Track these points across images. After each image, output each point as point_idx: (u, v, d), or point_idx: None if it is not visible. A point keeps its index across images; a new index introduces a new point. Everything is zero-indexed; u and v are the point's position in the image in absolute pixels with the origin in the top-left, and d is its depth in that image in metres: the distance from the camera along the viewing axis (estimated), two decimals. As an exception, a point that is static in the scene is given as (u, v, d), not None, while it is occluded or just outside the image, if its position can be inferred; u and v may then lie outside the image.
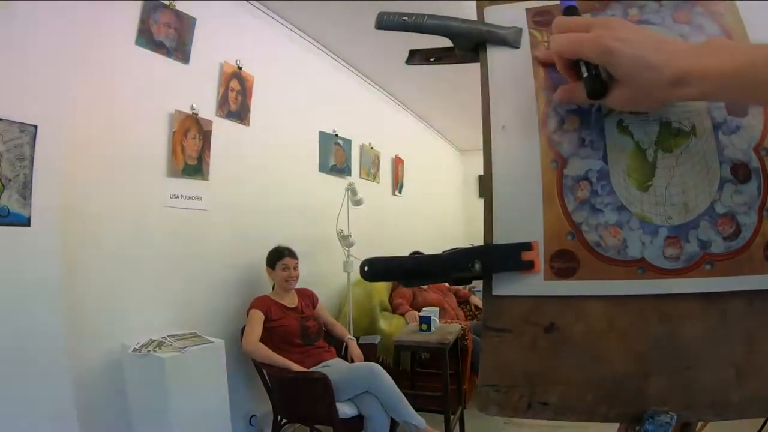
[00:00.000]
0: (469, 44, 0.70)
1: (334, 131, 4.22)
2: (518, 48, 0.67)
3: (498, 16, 0.70)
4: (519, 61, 0.66)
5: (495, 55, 0.68)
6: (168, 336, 2.35)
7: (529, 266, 0.60)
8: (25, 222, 1.83)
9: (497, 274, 0.61)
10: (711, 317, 0.57)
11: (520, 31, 0.68)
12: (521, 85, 0.65)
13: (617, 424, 0.60)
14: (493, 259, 0.61)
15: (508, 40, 0.67)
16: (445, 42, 0.73)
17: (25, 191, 1.83)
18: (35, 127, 1.86)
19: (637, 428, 0.56)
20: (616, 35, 0.52)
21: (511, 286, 0.61)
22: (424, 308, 3.77)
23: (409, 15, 0.69)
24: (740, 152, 0.58)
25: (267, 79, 3.32)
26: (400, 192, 5.64)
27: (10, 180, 1.79)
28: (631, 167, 0.60)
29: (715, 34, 0.61)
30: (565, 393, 0.58)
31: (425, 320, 3.30)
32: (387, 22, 0.70)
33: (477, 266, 0.60)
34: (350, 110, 4.61)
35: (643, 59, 0.51)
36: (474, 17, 0.72)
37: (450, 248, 0.63)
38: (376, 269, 0.62)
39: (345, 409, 2.58)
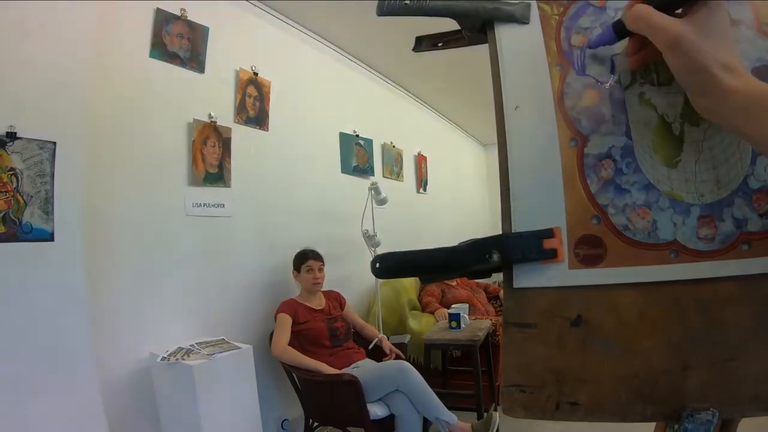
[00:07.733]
0: (475, 24, 0.66)
1: (355, 131, 4.21)
2: (527, 23, 0.63)
3: (505, -9, 0.65)
4: (529, 37, 0.62)
5: (503, 33, 0.63)
6: (196, 343, 2.37)
7: (552, 255, 0.55)
8: (49, 237, 1.86)
9: (518, 265, 0.57)
10: (754, 302, 0.52)
11: (528, 5, 0.63)
12: (533, 62, 0.60)
13: (653, 424, 0.55)
14: (512, 249, 0.56)
15: (516, 16, 0.63)
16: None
17: (47, 207, 1.86)
18: (54, 143, 1.88)
19: (676, 427, 0.52)
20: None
21: (533, 277, 0.56)
22: (453, 305, 3.73)
23: (411, -2, 0.66)
24: None
25: (284, 83, 3.32)
26: (424, 189, 5.60)
27: (31, 197, 1.82)
28: (657, 142, 0.55)
29: (745, 20, 0.55)
30: (596, 391, 0.54)
31: (455, 317, 3.25)
32: (389, 8, 0.67)
33: (495, 257, 0.55)
34: (370, 110, 4.59)
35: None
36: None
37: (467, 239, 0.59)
38: (387, 265, 0.58)
39: (376, 410, 2.55)
